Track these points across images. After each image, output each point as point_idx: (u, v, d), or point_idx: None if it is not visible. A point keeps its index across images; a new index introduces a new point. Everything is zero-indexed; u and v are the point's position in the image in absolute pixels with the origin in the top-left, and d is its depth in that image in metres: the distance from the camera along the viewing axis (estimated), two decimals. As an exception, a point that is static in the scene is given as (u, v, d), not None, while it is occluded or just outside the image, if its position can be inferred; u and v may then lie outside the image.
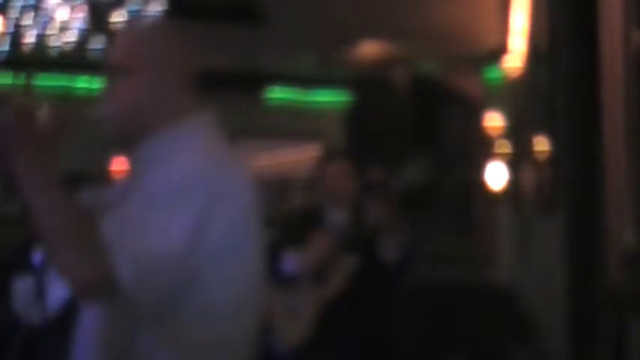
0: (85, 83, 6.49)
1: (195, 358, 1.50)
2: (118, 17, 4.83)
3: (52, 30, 4.95)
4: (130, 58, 1.58)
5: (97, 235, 1.38)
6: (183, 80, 1.61)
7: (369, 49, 6.17)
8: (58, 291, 3.18)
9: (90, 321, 1.56)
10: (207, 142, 1.59)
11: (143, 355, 1.49)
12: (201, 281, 1.47)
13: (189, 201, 1.45)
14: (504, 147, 5.66)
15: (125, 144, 1.63)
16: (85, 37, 5.11)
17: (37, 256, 3.30)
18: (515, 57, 5.25)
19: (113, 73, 1.59)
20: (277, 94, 7.21)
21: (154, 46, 1.60)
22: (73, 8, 4.93)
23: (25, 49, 4.99)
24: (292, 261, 3.15)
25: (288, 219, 3.55)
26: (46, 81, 6.47)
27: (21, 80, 5.84)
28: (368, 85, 6.78)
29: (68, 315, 3.10)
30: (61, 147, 1.47)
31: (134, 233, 1.40)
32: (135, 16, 4.78)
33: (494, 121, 5.94)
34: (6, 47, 4.97)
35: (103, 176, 5.10)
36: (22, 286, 3.32)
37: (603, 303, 2.15)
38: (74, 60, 5.60)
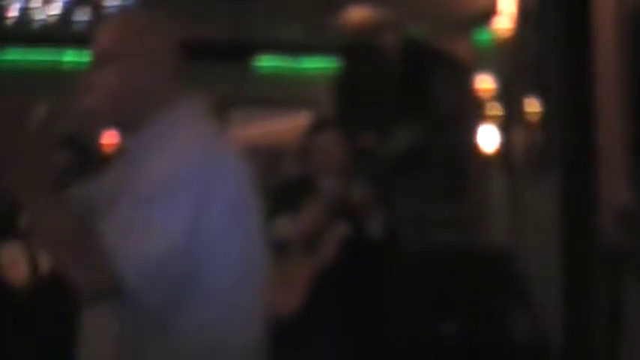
0: (72, 57, 6.43)
1: (201, 346, 1.49)
2: (102, -12, 4.78)
3: (35, 3, 4.88)
4: (115, 47, 1.56)
5: (96, 239, 1.37)
6: (169, 67, 1.60)
7: (358, 14, 6.11)
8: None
9: (93, 319, 1.55)
10: (198, 129, 1.58)
11: (148, 348, 1.48)
12: (202, 268, 1.46)
13: (183, 193, 1.44)
14: (495, 109, 5.65)
15: (116, 131, 1.61)
16: (70, 9, 5.05)
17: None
18: (504, 18, 5.22)
19: (98, 64, 1.57)
20: (266, 62, 7.16)
21: (138, 35, 1.58)
22: (56, -20, 4.86)
23: (9, 22, 4.93)
24: (284, 227, 3.15)
25: (279, 187, 3.55)
26: (31, 55, 6.40)
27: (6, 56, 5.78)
28: (357, 50, 6.74)
29: (59, 283, 3.09)
30: (49, 152, 1.45)
31: (133, 232, 1.40)
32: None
33: (484, 83, 5.91)
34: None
35: (94, 148, 5.07)
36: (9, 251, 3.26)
37: (598, 262, 2.16)
38: (60, 33, 5.54)
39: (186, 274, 1.45)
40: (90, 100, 1.57)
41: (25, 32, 5.34)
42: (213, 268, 1.47)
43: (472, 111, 6.07)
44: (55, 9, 4.95)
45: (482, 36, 6.16)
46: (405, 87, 6.50)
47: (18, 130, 1.39)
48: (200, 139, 1.54)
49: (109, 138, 5.64)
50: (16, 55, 6.44)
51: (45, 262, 3.18)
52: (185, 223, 1.42)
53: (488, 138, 5.74)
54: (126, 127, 1.59)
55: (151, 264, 1.39)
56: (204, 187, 1.45)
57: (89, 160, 3.84)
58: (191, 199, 1.44)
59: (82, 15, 5.12)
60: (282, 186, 3.59)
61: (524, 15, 4.30)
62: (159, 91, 1.58)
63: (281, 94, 6.85)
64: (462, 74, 6.34)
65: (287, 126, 6.41)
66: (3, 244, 3.26)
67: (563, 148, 2.66)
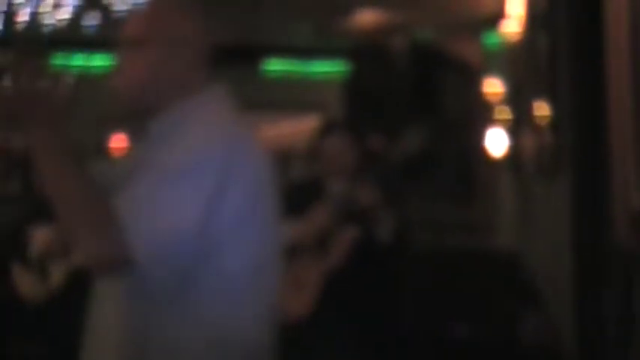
0: (81, 61, 6.45)
1: (211, 332, 1.48)
2: (111, -8, 4.79)
3: (45, 7, 4.90)
4: (145, 32, 1.57)
5: (111, 211, 1.38)
6: (196, 54, 1.61)
7: (366, 17, 6.12)
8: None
9: (103, 299, 1.55)
10: (220, 115, 1.59)
11: (160, 334, 1.48)
12: (216, 254, 1.47)
13: (203, 175, 1.44)
14: (504, 113, 5.64)
15: (137, 117, 1.62)
16: (79, 14, 5.07)
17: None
18: (513, 22, 5.21)
19: (128, 47, 1.58)
20: (275, 65, 7.17)
21: (169, 20, 1.60)
22: (66, -15, 4.87)
23: (19, 27, 4.94)
24: (293, 230, 3.14)
25: (288, 190, 3.54)
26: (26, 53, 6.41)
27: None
28: (366, 54, 6.74)
29: (71, 292, 3.13)
30: (70, 115, 1.47)
31: (149, 209, 1.40)
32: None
33: (493, 86, 5.91)
34: None
35: (101, 153, 5.09)
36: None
37: (610, 265, 2.15)
38: (69, 37, 5.56)
39: (198, 257, 1.45)
40: (117, 81, 1.59)
41: (35, 36, 5.37)
42: (226, 255, 1.48)
43: (481, 114, 6.06)
44: (65, 13, 4.97)
45: (491, 39, 6.15)
46: (414, 90, 6.50)
47: (45, 93, 1.42)
48: (223, 126, 1.55)
49: (118, 142, 5.66)
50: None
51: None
52: (202, 206, 1.43)
53: (497, 141, 5.73)
54: (149, 111, 1.59)
55: (164, 243, 1.40)
56: (224, 173, 1.46)
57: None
58: (210, 183, 1.44)
59: (92, 19, 5.14)
60: (292, 189, 3.59)
61: (533, 18, 4.29)
62: (184, 78, 1.59)
63: (290, 97, 6.85)
64: (471, 78, 6.34)
65: (296, 129, 6.42)
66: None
67: (573, 151, 2.65)
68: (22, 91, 1.41)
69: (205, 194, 1.43)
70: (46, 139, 1.41)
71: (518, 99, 5.08)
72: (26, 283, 3.36)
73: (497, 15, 5.62)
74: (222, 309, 1.49)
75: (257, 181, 1.53)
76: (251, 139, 1.59)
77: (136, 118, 1.63)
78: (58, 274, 3.26)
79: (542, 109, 3.80)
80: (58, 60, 6.55)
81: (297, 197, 3.38)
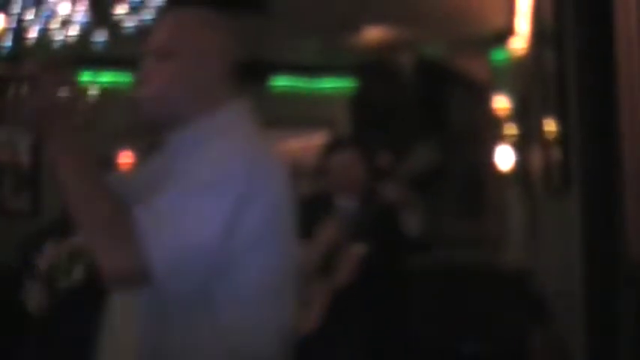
0: (90, 77, 6.48)
1: (227, 345, 1.48)
2: (120, 9, 4.81)
3: (54, 24, 4.93)
4: (173, 44, 1.57)
5: (131, 223, 1.37)
6: (223, 68, 1.61)
7: (374, 33, 6.13)
8: None
9: (118, 309, 1.55)
10: (244, 129, 1.58)
11: (176, 346, 1.47)
12: (236, 269, 1.46)
13: (225, 190, 1.44)
14: (512, 129, 5.63)
15: (157, 128, 1.62)
16: (88, 30, 5.09)
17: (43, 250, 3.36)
18: (521, 38, 5.21)
19: (155, 57, 1.58)
20: (282, 82, 7.19)
21: (198, 33, 1.60)
22: (75, 2, 4.90)
23: (28, 44, 4.97)
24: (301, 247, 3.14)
25: (296, 207, 3.53)
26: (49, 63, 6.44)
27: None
28: (374, 70, 6.75)
29: (73, 305, 3.14)
30: (91, 128, 1.47)
31: (170, 222, 1.40)
32: (137, 7, 4.75)
33: (501, 103, 5.91)
34: (9, 43, 4.96)
35: (109, 168, 5.09)
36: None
37: (622, 282, 2.13)
38: (78, 54, 5.58)
39: (217, 271, 1.44)
40: (141, 92, 1.58)
41: (44, 53, 5.40)
42: (245, 268, 1.47)
43: (489, 130, 6.06)
44: (74, 30, 4.99)
45: (499, 56, 6.16)
46: (422, 106, 6.50)
47: (69, 104, 1.43)
48: (245, 141, 1.54)
49: (125, 157, 5.67)
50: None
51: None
52: (223, 221, 1.42)
53: (505, 157, 5.72)
54: (172, 122, 1.59)
55: (184, 257, 1.39)
56: (246, 188, 1.45)
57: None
58: (232, 198, 1.43)
59: (100, 36, 5.17)
60: (300, 205, 3.58)
61: (541, 34, 4.29)
62: (209, 91, 1.59)
63: (297, 113, 6.86)
64: (479, 94, 6.34)
65: (304, 145, 6.42)
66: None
67: (582, 166, 2.64)
68: (45, 101, 1.42)
69: (227, 209, 1.43)
70: (68, 150, 1.41)
71: (526, 115, 5.08)
72: (34, 297, 3.39)
73: (505, 31, 5.63)
74: (238, 322, 1.48)
75: (278, 196, 1.52)
76: (272, 154, 1.58)
77: (155, 131, 1.63)
78: (64, 288, 3.29)
79: (550, 125, 3.79)
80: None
81: (306, 213, 3.39)
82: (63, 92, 1.44)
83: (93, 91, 1.51)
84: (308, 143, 6.41)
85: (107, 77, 6.37)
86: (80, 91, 1.49)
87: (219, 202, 1.43)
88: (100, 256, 1.39)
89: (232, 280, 1.46)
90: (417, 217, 3.16)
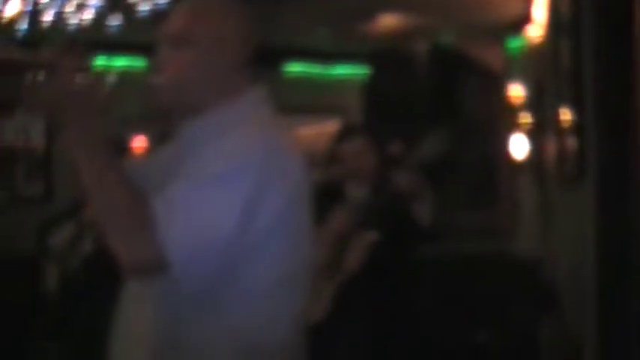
0: (104, 61, 6.48)
1: (241, 337, 1.47)
2: (134, -6, 4.80)
3: (69, 7, 4.92)
4: (191, 31, 1.55)
5: (148, 212, 1.37)
6: (240, 56, 1.59)
7: (388, 21, 6.10)
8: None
9: (132, 300, 1.54)
10: (260, 119, 1.57)
11: (189, 338, 1.46)
12: (250, 260, 1.45)
13: (242, 180, 1.42)
14: (526, 117, 5.59)
15: (174, 115, 1.61)
16: (102, 14, 5.09)
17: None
18: (537, 26, 5.17)
19: (171, 44, 1.56)
20: (296, 68, 7.16)
21: (215, 20, 1.58)
22: (89, -15, 4.89)
23: (44, 27, 4.97)
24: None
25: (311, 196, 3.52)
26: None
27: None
28: (387, 57, 6.71)
29: (85, 280, 3.17)
30: (108, 114, 1.47)
31: (186, 213, 1.39)
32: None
33: (516, 91, 5.86)
34: (24, 26, 4.96)
35: (123, 153, 5.11)
36: None
37: (635, 273, 2.12)
38: (92, 38, 5.59)
39: (233, 262, 1.43)
40: (158, 79, 1.57)
41: (60, 36, 5.40)
42: (261, 259, 1.46)
43: (503, 119, 6.02)
44: (88, 14, 4.99)
45: (515, 44, 6.11)
46: (436, 94, 6.47)
47: (86, 90, 1.43)
48: (261, 132, 1.52)
49: (139, 142, 5.68)
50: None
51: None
52: (240, 211, 1.41)
53: (519, 146, 5.68)
54: (188, 110, 1.58)
55: (198, 249, 1.38)
56: (263, 178, 1.44)
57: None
58: (249, 188, 1.42)
59: (115, 20, 5.16)
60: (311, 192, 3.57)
61: (557, 23, 4.25)
62: (227, 79, 1.57)
63: (310, 100, 6.84)
64: (494, 82, 6.30)
65: (316, 133, 6.41)
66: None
67: (598, 157, 2.62)
68: (62, 88, 1.41)
69: (243, 199, 1.42)
70: (86, 137, 1.40)
71: (541, 104, 5.04)
72: (47, 278, 3.43)
73: (521, 19, 5.58)
74: (252, 313, 1.48)
75: (294, 186, 1.50)
76: (290, 143, 1.57)
77: (171, 118, 1.62)
78: (76, 269, 3.32)
79: (565, 115, 3.76)
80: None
81: (316, 200, 3.37)
82: (81, 79, 1.44)
83: (111, 77, 1.50)
84: (320, 130, 6.40)
85: (121, 62, 6.37)
86: (98, 77, 1.48)
87: (236, 193, 1.41)
88: (117, 244, 1.39)
89: (248, 271, 1.45)
90: (427, 207, 3.15)
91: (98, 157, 1.40)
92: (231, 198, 1.41)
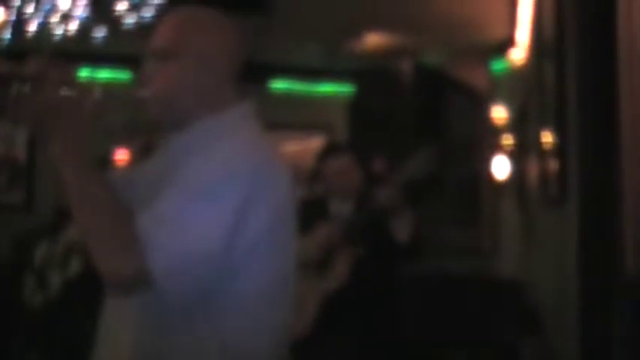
0: (88, 72, 6.46)
1: (227, 348, 1.46)
2: (120, 6, 4.80)
3: (54, 19, 4.91)
4: (177, 44, 1.55)
5: (133, 227, 1.35)
6: (227, 69, 1.58)
7: (374, 40, 6.13)
8: None
9: (117, 310, 1.53)
10: (248, 131, 1.56)
11: (175, 349, 1.45)
12: (235, 273, 1.44)
13: (230, 194, 1.42)
14: (509, 139, 5.63)
15: (161, 128, 1.60)
16: (87, 26, 5.07)
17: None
18: (521, 49, 5.21)
19: (158, 58, 1.55)
20: (282, 84, 7.18)
21: (202, 33, 1.57)
22: (76, -3, 4.88)
23: (28, 37, 4.95)
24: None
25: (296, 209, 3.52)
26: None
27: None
28: (373, 76, 6.75)
29: (69, 298, 3.15)
30: (94, 127, 1.45)
31: (173, 227, 1.37)
32: (138, 4, 4.74)
33: (499, 112, 5.91)
34: (8, 35, 4.94)
35: (105, 165, 5.08)
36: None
37: (618, 295, 2.12)
38: (77, 49, 5.57)
39: (218, 277, 1.42)
40: (145, 92, 1.56)
41: (43, 47, 5.38)
42: (247, 272, 1.45)
43: (487, 140, 6.06)
44: (74, 25, 4.97)
45: (499, 65, 6.16)
46: (420, 113, 6.50)
47: (72, 102, 1.42)
48: (248, 146, 1.52)
49: (121, 155, 5.66)
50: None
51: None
52: (226, 228, 1.40)
53: (502, 167, 5.72)
54: (175, 123, 1.57)
55: (184, 263, 1.37)
56: (249, 194, 1.43)
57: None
58: (236, 202, 1.41)
59: (99, 32, 5.15)
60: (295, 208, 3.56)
61: (542, 46, 4.29)
62: (212, 92, 1.56)
63: (295, 117, 6.86)
64: (478, 103, 6.34)
65: (301, 149, 6.41)
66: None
67: (580, 178, 2.64)
68: (48, 101, 1.40)
69: (230, 213, 1.41)
70: (71, 150, 1.39)
71: (524, 125, 5.08)
72: (28, 291, 3.40)
73: (506, 41, 5.63)
74: (239, 326, 1.46)
75: (281, 199, 1.50)
76: (276, 157, 1.56)
77: (158, 130, 1.61)
78: (57, 284, 3.30)
79: (547, 136, 3.79)
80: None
81: (301, 216, 3.37)
82: (67, 91, 1.43)
83: (96, 91, 1.49)
84: (305, 146, 6.40)
85: (105, 74, 6.35)
86: (85, 89, 1.47)
87: (223, 207, 1.41)
88: (101, 259, 1.37)
89: (234, 285, 1.44)
90: (407, 224, 3.15)
91: (83, 171, 1.39)
92: (218, 212, 1.40)
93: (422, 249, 3.25)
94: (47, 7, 4.82)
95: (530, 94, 4.78)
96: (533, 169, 4.53)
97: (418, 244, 3.21)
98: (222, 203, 1.41)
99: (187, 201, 1.41)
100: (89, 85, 1.49)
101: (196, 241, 1.38)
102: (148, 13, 4.72)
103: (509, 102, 5.76)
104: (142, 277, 1.35)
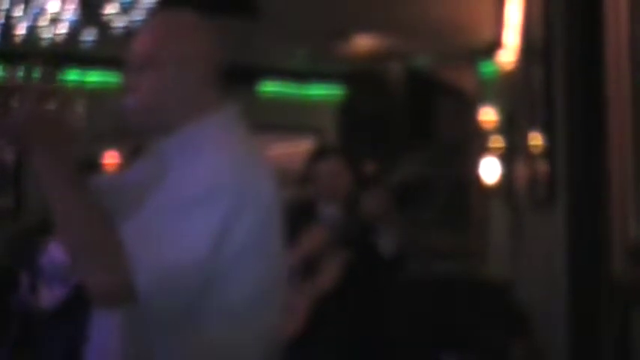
0: (77, 76, 6.44)
1: (217, 357, 1.46)
2: (110, 9, 4.79)
3: (43, 22, 4.89)
4: (154, 54, 1.53)
5: (117, 240, 1.34)
6: (208, 73, 1.57)
7: (364, 43, 6.14)
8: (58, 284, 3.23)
9: (104, 324, 1.52)
10: (232, 136, 1.55)
11: (163, 358, 1.45)
12: (222, 282, 1.43)
13: (214, 206, 1.40)
14: (498, 141, 5.65)
15: (146, 137, 1.59)
16: (76, 29, 5.06)
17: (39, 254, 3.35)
18: (509, 51, 5.24)
19: (136, 67, 1.54)
20: (271, 87, 7.18)
21: (178, 40, 1.55)
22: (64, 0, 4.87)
23: (16, 40, 4.93)
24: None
25: (282, 212, 3.52)
26: (36, 74, 6.41)
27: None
28: (362, 79, 6.76)
29: (68, 306, 3.13)
30: (80, 139, 1.44)
31: (157, 239, 1.36)
32: (128, 8, 4.74)
33: (488, 115, 5.93)
34: (-3, 39, 4.93)
35: (94, 169, 5.07)
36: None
37: (606, 296, 2.14)
38: (66, 52, 5.55)
39: (204, 287, 1.41)
40: (128, 102, 1.55)
41: (32, 50, 5.36)
42: (234, 281, 1.44)
43: (476, 142, 6.08)
44: (62, 28, 4.96)
45: (487, 68, 6.18)
46: (409, 117, 6.51)
47: (54, 116, 1.41)
48: (234, 150, 1.51)
49: (111, 157, 5.64)
50: (21, 72, 6.45)
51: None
52: (211, 238, 1.39)
53: (491, 169, 5.73)
54: (158, 130, 1.56)
55: (170, 276, 1.36)
56: (236, 201, 1.42)
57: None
58: (221, 212, 1.40)
59: (88, 35, 5.14)
60: (284, 211, 3.56)
61: (530, 49, 4.31)
62: (196, 98, 1.55)
63: (285, 120, 6.86)
64: (467, 105, 6.36)
65: (290, 151, 6.41)
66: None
67: (568, 181, 2.65)
68: (30, 114, 1.38)
69: (216, 223, 1.40)
70: (53, 163, 1.37)
71: (513, 128, 5.10)
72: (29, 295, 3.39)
73: (494, 44, 5.66)
74: (226, 334, 1.46)
75: (267, 205, 1.49)
76: (261, 161, 1.55)
77: (144, 136, 1.60)
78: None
79: (536, 139, 3.81)
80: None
81: (289, 219, 3.36)
82: (49, 104, 1.41)
83: (79, 105, 1.48)
84: (294, 149, 6.40)
85: (94, 77, 6.33)
86: (66, 101, 1.46)
87: (208, 218, 1.39)
88: (85, 273, 1.36)
89: (221, 293, 1.44)
90: (394, 237, 3.15)
91: (65, 185, 1.37)
92: (204, 223, 1.39)
93: (406, 263, 3.26)
94: (36, 10, 4.81)
95: (519, 96, 4.80)
96: (521, 172, 4.55)
97: (403, 258, 3.22)
98: (206, 216, 1.39)
99: (171, 213, 1.39)
100: (71, 97, 1.48)
101: (182, 255, 1.37)
102: (137, 16, 4.72)
103: (498, 105, 5.78)
104: (127, 291, 1.33)
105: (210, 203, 1.40)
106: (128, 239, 1.35)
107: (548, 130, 3.48)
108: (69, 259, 1.39)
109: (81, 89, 5.88)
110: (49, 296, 3.29)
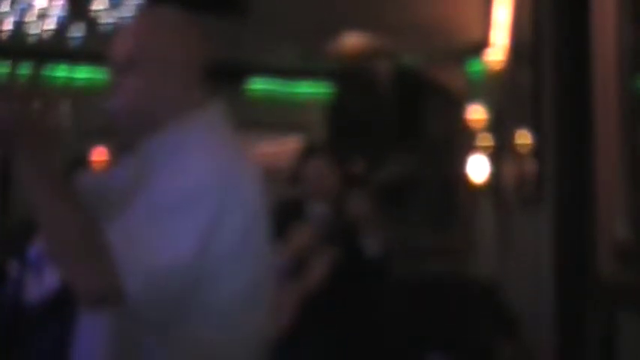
0: (64, 72, 6.41)
1: (203, 356, 1.45)
2: (98, 5, 4.77)
3: (30, 17, 4.86)
4: (134, 55, 1.51)
5: (103, 242, 1.32)
6: (192, 71, 1.55)
7: (352, 41, 6.14)
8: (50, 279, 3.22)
9: (91, 324, 1.51)
10: (217, 138, 1.53)
11: (147, 358, 1.44)
12: (210, 283, 1.42)
13: (200, 207, 1.39)
14: (486, 140, 5.66)
15: (132, 139, 1.57)
16: (64, 25, 5.04)
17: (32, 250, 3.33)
18: (497, 50, 5.25)
19: (118, 69, 1.52)
20: (259, 85, 7.17)
21: (158, 41, 1.53)
22: (52, -5, 4.84)
23: (3, 36, 4.90)
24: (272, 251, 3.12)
25: (268, 211, 3.51)
26: (24, 70, 6.38)
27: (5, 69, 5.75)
28: (350, 77, 6.76)
29: (56, 304, 3.12)
30: (66, 139, 1.43)
31: (143, 241, 1.35)
32: (116, 4, 4.72)
33: (476, 114, 5.93)
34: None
35: (83, 166, 5.04)
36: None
37: (593, 296, 2.15)
38: (53, 48, 5.52)
39: (192, 287, 1.41)
40: (111, 103, 1.53)
41: (19, 46, 5.32)
42: (221, 283, 1.43)
43: (463, 141, 6.09)
44: (50, 24, 4.93)
45: (475, 67, 6.19)
46: (397, 115, 6.52)
47: (38, 117, 1.38)
48: (219, 150, 1.49)
49: (99, 154, 5.62)
50: (8, 69, 6.42)
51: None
52: (198, 238, 1.38)
53: (478, 168, 5.75)
54: (143, 131, 1.54)
55: (157, 278, 1.35)
56: (222, 201, 1.41)
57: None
58: (208, 213, 1.39)
59: (76, 31, 5.11)
60: (272, 210, 3.56)
61: (518, 48, 4.33)
62: (179, 97, 1.53)
63: (273, 118, 6.85)
64: (454, 104, 6.37)
65: (277, 150, 6.40)
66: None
67: (556, 180, 2.66)
68: (13, 115, 1.36)
69: (202, 224, 1.39)
70: (37, 165, 1.35)
71: (501, 127, 5.11)
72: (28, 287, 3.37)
73: (482, 43, 5.66)
74: (214, 334, 1.45)
75: (253, 205, 1.48)
76: (247, 160, 1.54)
77: (130, 137, 1.59)
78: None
79: (524, 138, 3.82)
80: (42, 71, 6.52)
81: (277, 218, 3.36)
82: (35, 106, 1.40)
83: (65, 107, 1.46)
84: (282, 148, 6.39)
85: (82, 73, 6.30)
86: (51, 106, 1.44)
87: (195, 219, 1.38)
88: (71, 275, 1.35)
89: (208, 293, 1.43)
90: (380, 233, 3.15)
91: (51, 188, 1.35)
92: (190, 224, 1.38)
93: (392, 263, 3.26)
94: (23, 5, 4.78)
95: (507, 95, 4.81)
96: (509, 171, 4.56)
97: (389, 258, 3.22)
98: (193, 217, 1.38)
99: (159, 215, 1.38)
100: (56, 97, 1.47)
101: (169, 256, 1.36)
102: (126, 12, 4.70)
103: (486, 103, 5.79)
104: (115, 293, 1.32)
105: (197, 204, 1.39)
106: (114, 241, 1.33)
107: (535, 129, 3.49)
108: (53, 262, 1.38)
109: (67, 87, 5.85)
110: (37, 289, 3.27)
